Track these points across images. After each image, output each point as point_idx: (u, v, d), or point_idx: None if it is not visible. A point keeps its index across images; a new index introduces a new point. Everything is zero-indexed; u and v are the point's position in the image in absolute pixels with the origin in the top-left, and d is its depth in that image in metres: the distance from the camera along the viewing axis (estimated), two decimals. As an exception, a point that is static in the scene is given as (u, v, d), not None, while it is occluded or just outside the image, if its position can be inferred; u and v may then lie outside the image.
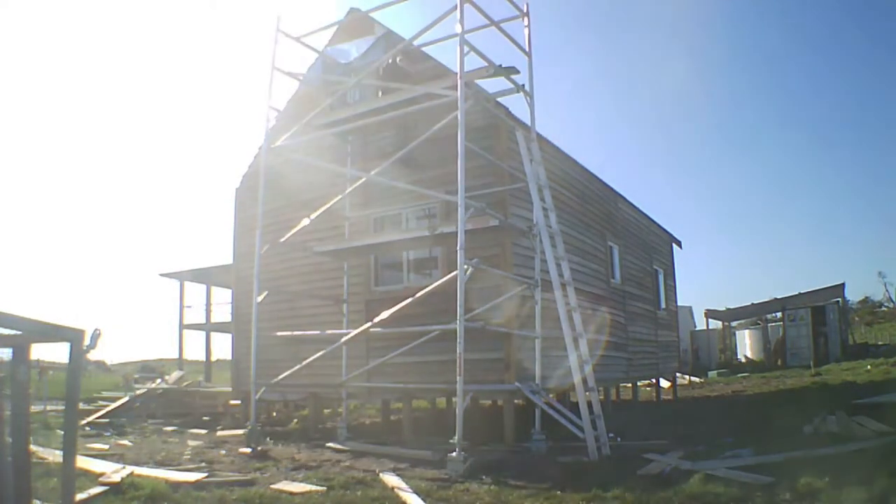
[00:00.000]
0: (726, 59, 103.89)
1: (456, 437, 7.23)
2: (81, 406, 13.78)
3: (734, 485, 5.65)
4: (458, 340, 7.63)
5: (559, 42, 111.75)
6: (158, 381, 21.12)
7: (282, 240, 10.38)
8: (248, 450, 8.96)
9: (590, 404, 8.37)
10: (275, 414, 14.36)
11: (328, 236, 11.10)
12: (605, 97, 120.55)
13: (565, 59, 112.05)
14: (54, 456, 7.24)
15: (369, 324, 9.03)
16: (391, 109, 9.55)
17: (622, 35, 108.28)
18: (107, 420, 13.55)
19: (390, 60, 10.03)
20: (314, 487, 6.27)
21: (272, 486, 6.32)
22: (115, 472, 6.72)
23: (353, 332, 9.32)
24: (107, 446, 9.52)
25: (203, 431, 11.88)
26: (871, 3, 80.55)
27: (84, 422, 12.67)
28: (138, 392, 16.64)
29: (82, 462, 7.09)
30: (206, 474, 6.82)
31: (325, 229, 11.06)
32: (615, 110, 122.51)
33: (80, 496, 5.46)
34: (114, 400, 17.27)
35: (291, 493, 6.04)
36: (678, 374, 22.52)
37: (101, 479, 6.31)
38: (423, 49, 10.68)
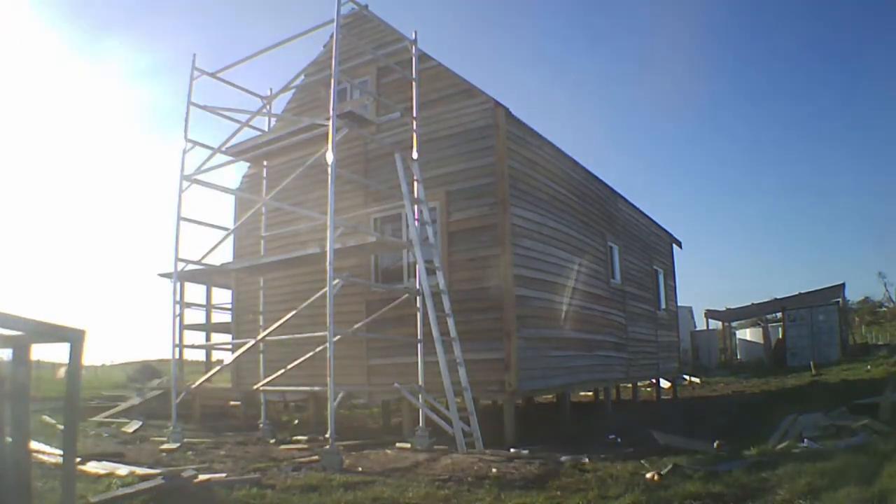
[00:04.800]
0: (727, 58, 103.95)
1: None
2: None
3: (734, 484, 5.64)
4: (328, 345, 8.14)
5: (559, 42, 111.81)
6: (157, 381, 21.15)
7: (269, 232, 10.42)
8: (249, 449, 8.97)
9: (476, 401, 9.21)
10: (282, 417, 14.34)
11: (311, 239, 11.21)
12: (605, 97, 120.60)
13: (565, 60, 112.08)
14: (54, 456, 7.24)
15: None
16: (289, 137, 10.23)
17: (622, 35, 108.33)
18: (106, 420, 13.56)
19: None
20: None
21: (273, 486, 6.32)
22: (115, 472, 6.72)
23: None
24: (107, 447, 9.51)
25: (204, 431, 11.87)
26: (872, 3, 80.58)
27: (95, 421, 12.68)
28: (138, 392, 16.66)
29: (81, 463, 7.09)
30: (208, 475, 6.82)
31: (310, 231, 11.38)
32: (615, 110, 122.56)
33: (94, 498, 5.45)
34: (114, 399, 17.30)
35: (292, 493, 6.03)
36: (683, 376, 22.56)
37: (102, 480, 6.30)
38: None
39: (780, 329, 32.12)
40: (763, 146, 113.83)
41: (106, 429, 12.33)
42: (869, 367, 22.08)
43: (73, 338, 3.43)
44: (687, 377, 23.34)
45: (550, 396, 14.57)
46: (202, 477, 6.62)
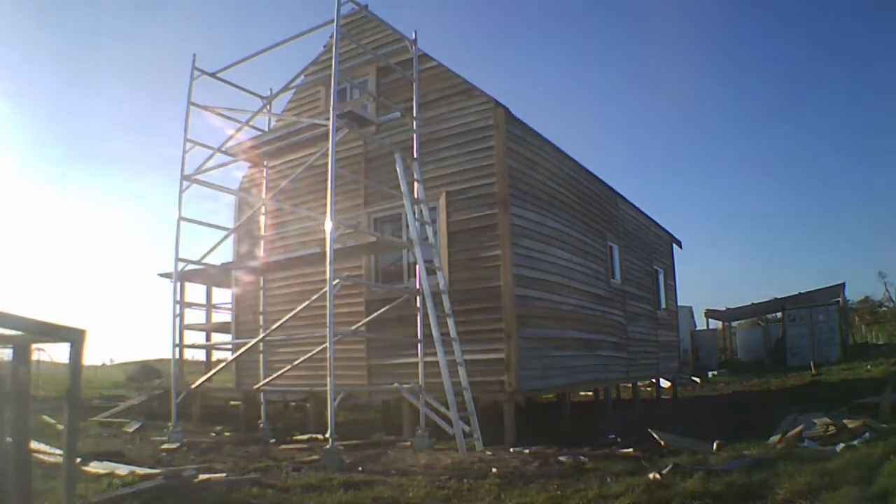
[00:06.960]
0: (726, 58, 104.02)
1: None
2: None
3: (734, 484, 5.64)
4: (328, 345, 8.18)
5: (558, 40, 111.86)
6: (157, 381, 21.16)
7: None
8: (250, 449, 8.97)
9: (475, 401, 9.10)
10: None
11: (311, 240, 11.24)
12: (605, 97, 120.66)
13: (565, 59, 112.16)
14: (55, 456, 7.24)
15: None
16: (289, 136, 10.27)
17: (622, 34, 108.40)
18: (107, 420, 13.56)
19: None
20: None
21: (273, 486, 6.32)
22: (115, 472, 6.72)
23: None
24: (107, 447, 9.51)
25: (204, 431, 11.88)
26: (871, 2, 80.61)
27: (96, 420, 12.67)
28: (140, 391, 16.65)
29: (82, 463, 7.09)
30: (208, 475, 6.82)
31: (310, 232, 11.53)
32: (615, 110, 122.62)
33: (95, 498, 5.45)
34: (114, 399, 17.30)
35: (292, 493, 6.03)
36: (687, 376, 22.53)
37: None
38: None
39: (780, 329, 32.10)
40: (763, 146, 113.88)
41: (106, 429, 12.33)
42: (869, 366, 22.08)
43: (74, 338, 3.43)
44: (692, 378, 23.35)
45: (551, 396, 14.56)
46: (202, 477, 6.63)
